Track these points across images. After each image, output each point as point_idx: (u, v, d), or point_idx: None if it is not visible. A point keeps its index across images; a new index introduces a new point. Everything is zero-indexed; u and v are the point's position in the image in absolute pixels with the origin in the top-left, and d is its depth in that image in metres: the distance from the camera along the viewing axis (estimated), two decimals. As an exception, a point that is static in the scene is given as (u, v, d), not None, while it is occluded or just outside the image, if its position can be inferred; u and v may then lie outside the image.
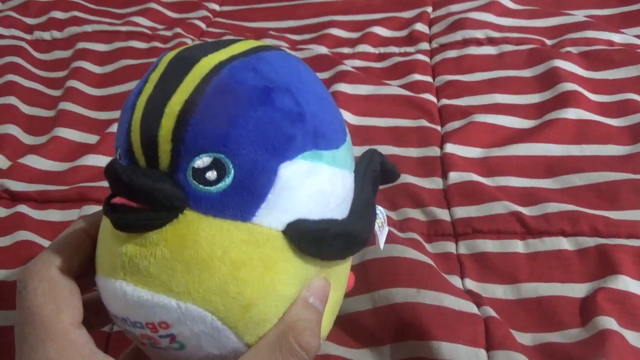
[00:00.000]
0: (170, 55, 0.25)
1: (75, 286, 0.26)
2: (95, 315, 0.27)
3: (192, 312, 0.23)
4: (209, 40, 0.65)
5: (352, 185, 0.28)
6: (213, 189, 0.23)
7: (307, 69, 0.28)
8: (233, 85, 0.24)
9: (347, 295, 0.37)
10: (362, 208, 0.28)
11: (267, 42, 0.63)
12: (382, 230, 0.32)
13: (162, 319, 0.23)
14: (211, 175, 0.23)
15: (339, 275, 0.28)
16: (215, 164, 0.23)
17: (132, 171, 0.23)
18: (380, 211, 0.32)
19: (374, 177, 0.30)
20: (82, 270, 0.27)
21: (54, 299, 0.25)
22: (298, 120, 0.25)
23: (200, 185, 0.23)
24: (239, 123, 0.23)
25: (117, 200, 0.23)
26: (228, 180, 0.23)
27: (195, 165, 0.23)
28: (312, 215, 0.25)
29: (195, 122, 0.23)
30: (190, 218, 0.23)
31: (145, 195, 0.23)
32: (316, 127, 0.25)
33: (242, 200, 0.23)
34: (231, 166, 0.23)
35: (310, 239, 0.25)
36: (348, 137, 0.29)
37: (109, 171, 0.23)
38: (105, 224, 0.26)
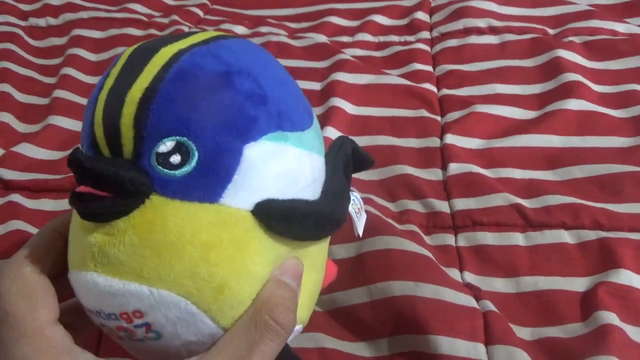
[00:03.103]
0: (131, 49, 0.25)
1: (50, 285, 0.26)
2: (81, 318, 0.27)
3: (165, 297, 0.23)
4: (206, 28, 0.64)
5: (323, 168, 0.28)
6: (178, 172, 0.23)
7: (268, 55, 0.28)
8: (193, 71, 0.24)
9: (338, 287, 0.37)
10: (333, 189, 0.28)
11: (265, 29, 0.62)
12: (359, 216, 0.32)
13: (136, 307, 0.23)
14: (175, 159, 0.23)
15: (314, 257, 0.28)
16: (179, 148, 0.23)
17: (95, 159, 0.23)
18: (356, 197, 0.32)
19: (346, 162, 0.30)
20: (58, 271, 0.27)
21: (28, 298, 0.25)
22: (260, 102, 0.25)
23: (165, 170, 0.23)
24: (200, 106, 0.23)
25: (82, 189, 0.23)
26: (193, 163, 0.23)
27: (159, 150, 0.23)
28: (281, 195, 0.25)
29: (157, 107, 0.23)
30: (156, 203, 0.23)
31: (109, 182, 0.23)
32: (280, 109, 0.26)
33: (208, 182, 0.24)
34: (195, 149, 0.23)
35: (279, 218, 0.25)
36: (315, 122, 0.29)
37: (71, 160, 0.23)
38: (75, 219, 0.25)
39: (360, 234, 0.32)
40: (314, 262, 0.29)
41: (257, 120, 0.24)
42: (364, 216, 0.33)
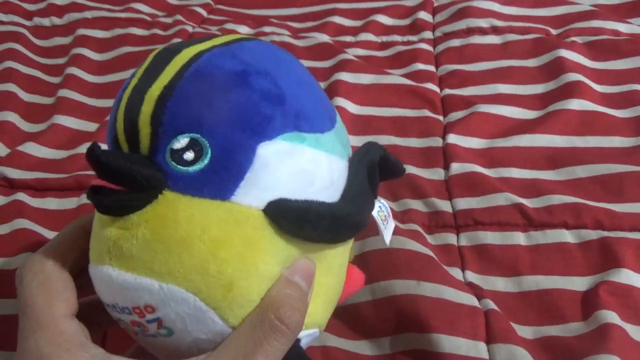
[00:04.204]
0: (157, 50, 0.26)
1: (70, 280, 0.27)
2: (102, 313, 0.27)
3: (174, 293, 0.23)
4: (210, 27, 0.64)
5: (345, 172, 0.28)
6: (191, 169, 0.24)
7: (290, 57, 0.28)
8: (211, 70, 0.24)
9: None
10: (353, 193, 0.28)
11: (268, 29, 0.63)
12: (386, 224, 0.31)
13: (147, 301, 0.24)
14: (189, 155, 0.23)
15: (329, 260, 0.28)
16: (193, 145, 0.23)
17: (111, 153, 0.23)
18: (383, 204, 0.31)
19: (371, 167, 0.29)
20: (82, 267, 0.27)
21: (47, 292, 0.25)
22: (277, 102, 0.25)
23: (179, 166, 0.23)
24: (216, 104, 0.24)
25: (99, 182, 0.24)
26: (206, 160, 0.24)
27: (173, 147, 0.23)
28: (295, 195, 0.25)
29: (173, 104, 0.23)
30: (169, 198, 0.24)
31: (124, 176, 0.23)
32: (298, 110, 0.26)
33: (221, 179, 0.24)
34: (208, 146, 0.24)
35: (291, 218, 0.25)
36: (338, 125, 0.29)
37: (89, 153, 0.23)
38: (96, 213, 0.26)
39: (388, 243, 0.32)
40: (330, 265, 0.28)
41: (272, 120, 0.25)
42: (391, 224, 0.32)
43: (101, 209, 0.24)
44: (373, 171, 0.30)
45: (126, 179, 0.23)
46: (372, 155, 0.30)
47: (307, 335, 0.28)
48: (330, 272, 0.28)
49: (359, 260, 0.39)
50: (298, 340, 0.27)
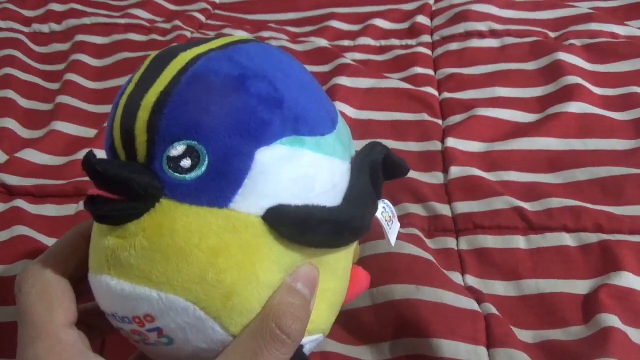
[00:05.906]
0: (153, 54, 0.26)
1: (70, 288, 0.26)
2: (104, 320, 0.27)
3: (174, 302, 0.23)
4: (208, 33, 0.64)
5: (347, 175, 0.28)
6: (188, 176, 0.23)
7: (290, 59, 0.28)
8: (207, 75, 0.24)
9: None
10: (354, 196, 0.27)
11: (267, 34, 0.63)
12: (391, 225, 0.31)
13: (147, 311, 0.23)
14: (186, 163, 0.23)
15: (332, 264, 0.28)
16: (189, 152, 0.23)
17: (107, 162, 0.23)
18: (388, 205, 0.31)
19: (374, 168, 0.29)
20: (81, 274, 0.27)
21: (46, 300, 0.25)
22: (275, 106, 0.25)
23: (176, 174, 0.23)
24: (212, 110, 0.23)
25: (96, 192, 0.23)
26: (203, 168, 0.23)
27: (170, 154, 0.23)
28: (295, 201, 0.25)
29: (169, 111, 0.23)
30: (167, 207, 0.23)
31: (121, 185, 0.23)
32: (297, 113, 0.25)
33: (218, 187, 0.23)
34: (205, 153, 0.23)
35: (291, 225, 0.24)
36: (340, 127, 0.29)
37: (85, 163, 0.23)
38: (95, 223, 0.26)
39: (393, 244, 0.31)
40: (334, 269, 0.28)
41: (270, 124, 0.24)
42: (396, 225, 0.31)
43: (98, 219, 0.24)
44: (376, 172, 0.29)
45: (123, 188, 0.23)
46: (375, 156, 0.29)
47: (311, 341, 0.27)
48: (335, 276, 0.28)
49: (359, 265, 0.39)
50: (301, 347, 0.26)
